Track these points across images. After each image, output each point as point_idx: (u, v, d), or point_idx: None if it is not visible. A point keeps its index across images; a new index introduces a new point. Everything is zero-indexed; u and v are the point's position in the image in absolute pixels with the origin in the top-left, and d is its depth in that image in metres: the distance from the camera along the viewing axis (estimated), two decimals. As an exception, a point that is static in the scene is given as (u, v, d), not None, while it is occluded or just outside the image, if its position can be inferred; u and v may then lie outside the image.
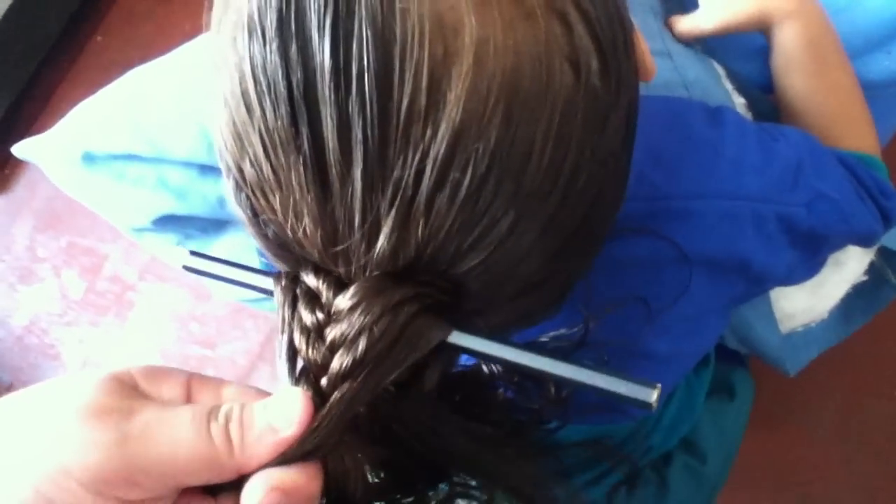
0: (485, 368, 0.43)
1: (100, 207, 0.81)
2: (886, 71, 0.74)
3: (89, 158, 0.75)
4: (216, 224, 0.81)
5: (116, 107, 0.77)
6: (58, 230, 1.57)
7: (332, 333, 0.34)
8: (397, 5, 0.30)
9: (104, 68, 1.61)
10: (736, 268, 0.54)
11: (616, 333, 0.45)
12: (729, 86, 0.72)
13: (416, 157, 0.32)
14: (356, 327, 0.34)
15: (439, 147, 0.31)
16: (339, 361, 0.34)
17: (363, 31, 0.30)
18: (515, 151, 0.33)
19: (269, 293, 0.39)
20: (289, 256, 0.38)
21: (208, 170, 0.75)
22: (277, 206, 0.35)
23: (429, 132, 0.31)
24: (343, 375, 0.34)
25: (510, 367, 0.36)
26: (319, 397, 0.34)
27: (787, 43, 0.69)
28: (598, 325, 0.44)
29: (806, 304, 0.78)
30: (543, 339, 0.44)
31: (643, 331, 0.53)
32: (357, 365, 0.34)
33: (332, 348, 0.34)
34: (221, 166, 0.38)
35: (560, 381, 0.35)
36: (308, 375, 0.35)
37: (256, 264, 0.60)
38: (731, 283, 0.56)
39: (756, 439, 1.17)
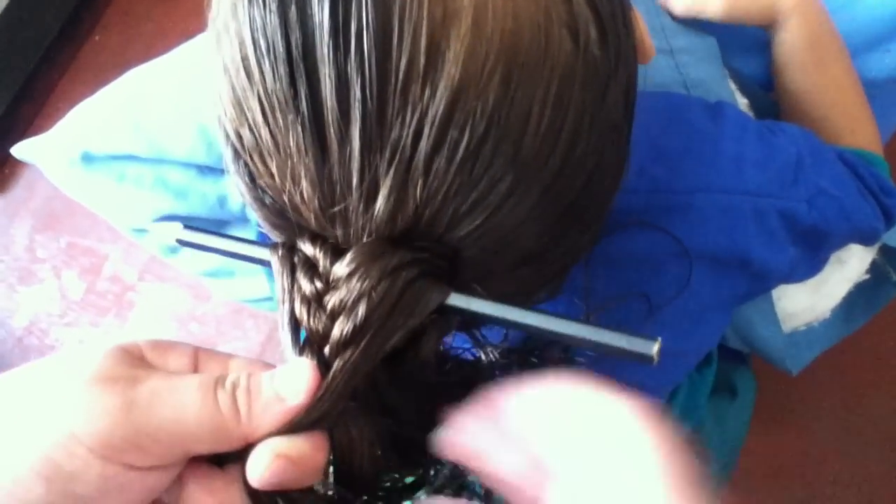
0: (483, 357, 0.42)
1: (99, 208, 0.81)
2: (886, 69, 0.74)
3: (88, 159, 0.75)
4: (216, 224, 0.81)
5: (115, 107, 0.77)
6: (57, 230, 1.57)
7: (331, 301, 0.34)
8: None
9: (102, 68, 1.61)
10: (737, 263, 0.54)
11: (616, 326, 0.45)
12: (732, 85, 0.72)
13: (415, 117, 0.32)
14: (355, 293, 0.34)
15: (438, 107, 0.31)
16: (340, 329, 0.34)
17: None
18: (514, 114, 0.33)
19: (266, 263, 0.39)
20: (286, 224, 0.38)
21: (207, 170, 0.75)
22: (275, 171, 0.35)
23: (427, 92, 0.31)
24: (345, 343, 0.34)
25: (510, 326, 0.36)
26: (323, 366, 0.34)
27: (791, 38, 0.69)
28: (598, 320, 0.44)
29: (808, 302, 0.78)
30: None
31: (644, 327, 0.53)
32: (358, 331, 0.34)
33: (333, 316, 0.34)
34: (220, 136, 0.38)
35: (561, 339, 0.35)
36: (311, 345, 0.35)
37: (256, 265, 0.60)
38: (732, 279, 0.56)
39: (758, 438, 1.17)
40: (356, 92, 0.31)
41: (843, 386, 1.23)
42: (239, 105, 0.35)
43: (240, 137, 0.36)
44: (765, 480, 1.22)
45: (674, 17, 0.73)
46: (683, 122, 0.54)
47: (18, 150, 0.80)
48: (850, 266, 0.78)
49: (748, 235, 0.53)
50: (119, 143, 0.73)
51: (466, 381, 0.40)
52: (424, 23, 0.31)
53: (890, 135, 0.79)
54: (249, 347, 1.42)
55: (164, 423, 0.31)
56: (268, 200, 0.37)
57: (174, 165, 0.74)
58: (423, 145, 0.32)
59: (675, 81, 0.66)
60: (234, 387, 0.33)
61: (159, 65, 0.78)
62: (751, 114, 0.74)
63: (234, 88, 0.35)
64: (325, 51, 0.31)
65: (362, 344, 0.33)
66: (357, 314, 0.33)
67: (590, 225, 0.41)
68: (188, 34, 0.76)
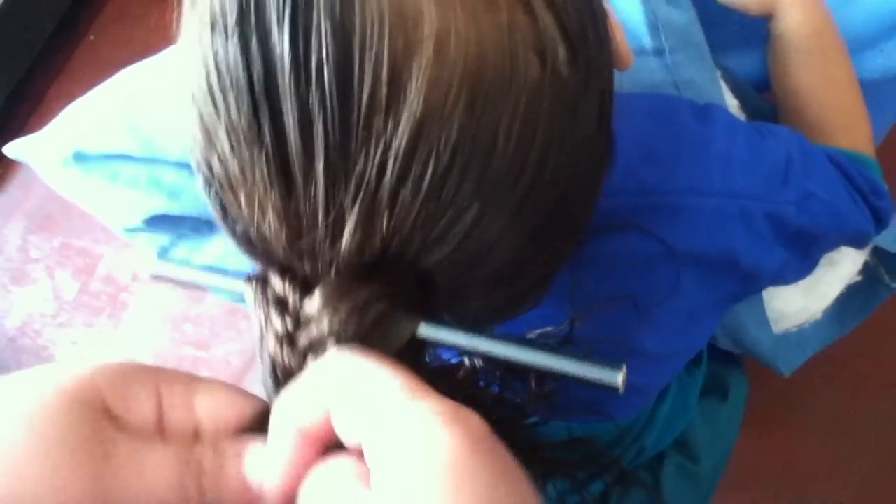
0: (467, 362, 0.42)
1: (92, 207, 0.81)
2: (880, 69, 0.74)
3: (81, 158, 0.75)
4: (209, 224, 0.81)
5: (109, 106, 0.77)
6: (51, 231, 1.57)
7: (301, 339, 0.34)
8: None
9: (97, 68, 1.60)
10: (725, 265, 0.54)
11: (606, 331, 0.45)
12: (723, 86, 0.72)
13: (379, 150, 0.31)
14: (325, 332, 0.34)
15: (401, 139, 0.31)
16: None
17: (322, 23, 0.30)
18: (479, 142, 0.33)
19: (238, 296, 0.38)
20: (257, 254, 0.38)
21: (201, 170, 0.75)
22: (243, 202, 0.35)
23: (390, 124, 0.31)
24: None
25: (478, 355, 0.37)
26: None
27: (791, 33, 0.69)
28: (588, 323, 0.44)
29: (800, 304, 0.78)
30: (530, 335, 0.44)
31: (633, 328, 0.53)
32: None
33: (304, 354, 0.34)
34: (192, 162, 0.38)
35: (525, 368, 0.35)
36: (286, 382, 0.35)
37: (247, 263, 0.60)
38: (721, 280, 0.56)
39: (752, 440, 1.17)
40: (319, 126, 0.31)
41: (836, 387, 1.23)
42: (207, 134, 0.35)
43: (209, 166, 0.36)
44: (758, 480, 1.22)
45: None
46: (673, 123, 0.54)
47: (11, 150, 0.80)
48: (843, 267, 0.78)
49: (736, 237, 0.53)
50: (112, 142, 0.73)
51: (451, 388, 0.40)
52: (385, 54, 0.30)
53: (882, 135, 0.79)
54: (243, 348, 1.42)
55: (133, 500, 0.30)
56: (238, 229, 0.37)
57: (168, 165, 0.74)
58: (388, 178, 0.32)
59: (666, 82, 0.66)
60: (200, 472, 0.32)
61: (153, 64, 0.78)
62: (742, 115, 0.74)
63: (202, 117, 0.35)
64: (287, 84, 0.31)
65: None
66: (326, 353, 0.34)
67: (569, 235, 0.41)
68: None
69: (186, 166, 0.74)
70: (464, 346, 0.36)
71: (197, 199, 0.74)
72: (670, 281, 0.53)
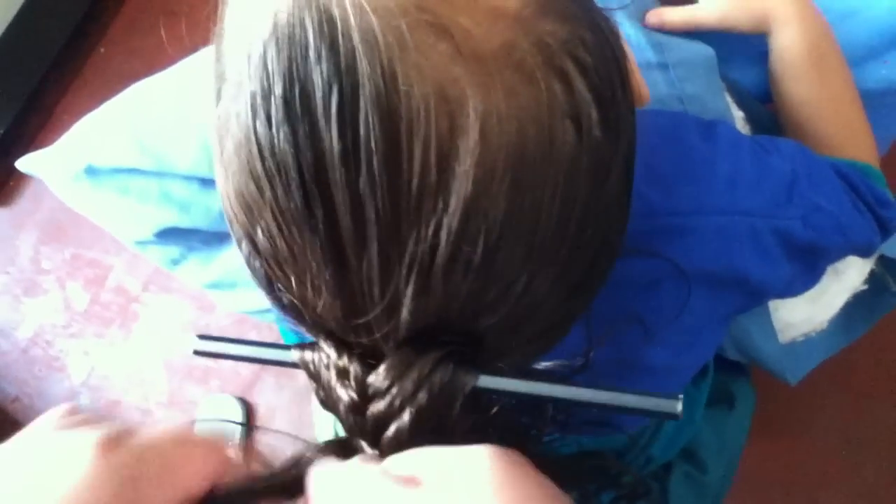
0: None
1: (103, 221, 0.82)
2: (884, 81, 0.74)
3: (92, 172, 0.76)
4: (219, 236, 0.81)
5: (119, 121, 0.77)
6: (62, 242, 1.58)
7: (373, 411, 0.36)
8: (400, 86, 0.30)
9: (107, 80, 1.62)
10: (734, 282, 0.54)
11: (615, 349, 0.45)
12: (728, 98, 0.72)
13: (430, 232, 0.32)
14: (397, 405, 0.35)
15: (451, 220, 0.32)
16: (389, 434, 0.36)
17: (369, 113, 0.30)
18: (524, 216, 0.33)
19: (290, 365, 0.39)
20: (306, 323, 0.38)
21: (211, 183, 0.75)
22: (293, 278, 0.35)
23: (440, 206, 0.31)
24: (398, 444, 0.35)
25: (538, 401, 0.37)
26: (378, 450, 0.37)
27: (788, 48, 0.69)
28: (589, 345, 0.45)
29: (805, 313, 0.78)
30: (546, 363, 0.44)
31: (641, 347, 0.53)
32: (407, 438, 0.35)
33: (377, 423, 0.36)
34: (232, 233, 0.38)
35: (590, 406, 0.36)
36: (357, 442, 0.37)
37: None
38: (729, 297, 0.56)
39: (761, 447, 1.17)
40: (370, 212, 0.31)
41: (844, 394, 1.23)
42: (250, 210, 0.35)
43: (253, 241, 0.36)
44: (767, 488, 1.22)
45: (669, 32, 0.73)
46: (677, 141, 0.54)
47: (23, 164, 0.81)
48: (848, 276, 0.78)
49: (744, 255, 0.53)
50: (123, 156, 0.74)
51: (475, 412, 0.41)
52: (433, 139, 0.31)
53: (886, 146, 0.79)
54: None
55: None
56: (285, 300, 0.38)
57: (177, 179, 0.75)
58: (440, 257, 0.32)
59: (671, 96, 0.66)
60: None
61: (162, 78, 0.78)
62: (747, 127, 0.74)
63: (243, 195, 0.35)
64: (338, 175, 0.31)
65: (414, 443, 0.35)
66: (403, 422, 0.35)
67: (598, 285, 0.41)
68: (191, 47, 0.77)
69: (196, 180, 0.74)
70: (524, 392, 0.37)
71: (207, 212, 0.76)
72: (677, 299, 0.53)
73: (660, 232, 0.51)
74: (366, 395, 0.36)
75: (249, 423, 1.39)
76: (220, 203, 0.76)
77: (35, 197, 1.61)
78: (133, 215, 0.77)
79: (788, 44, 0.69)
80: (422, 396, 0.35)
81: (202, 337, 0.42)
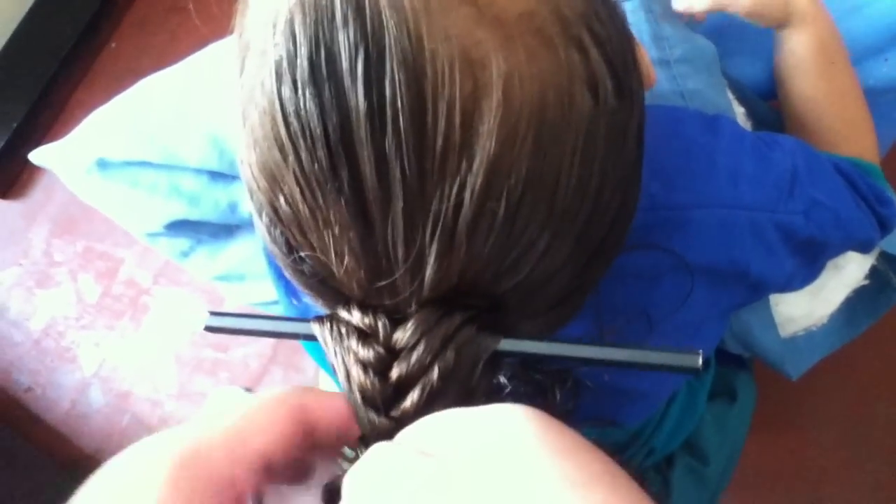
0: (503, 380, 0.44)
1: (114, 213, 0.83)
2: (885, 78, 0.74)
3: (104, 165, 0.77)
4: (227, 229, 0.83)
5: (130, 115, 0.78)
6: (74, 235, 1.59)
7: (397, 370, 0.36)
8: (426, 46, 0.31)
9: (118, 75, 1.63)
10: (735, 275, 0.55)
11: (617, 340, 0.46)
12: (730, 94, 0.72)
13: (454, 190, 0.32)
14: (425, 359, 0.35)
15: (475, 179, 0.32)
16: (413, 397, 0.35)
17: (395, 74, 0.31)
18: (546, 177, 0.34)
19: (307, 337, 0.39)
20: (326, 291, 0.39)
21: (219, 176, 0.76)
22: (315, 243, 0.36)
23: (464, 165, 0.32)
24: (419, 409, 0.35)
25: (561, 361, 0.38)
26: (395, 423, 0.35)
27: (801, 44, 0.69)
28: (599, 334, 0.45)
29: (806, 308, 0.79)
30: None
31: (644, 338, 0.53)
32: (433, 397, 0.35)
33: (400, 384, 0.36)
34: (252, 204, 0.39)
35: (613, 364, 0.36)
36: (377, 409, 0.36)
37: (265, 268, 0.61)
38: (730, 291, 0.57)
39: (764, 441, 1.17)
40: (396, 171, 0.32)
41: (847, 390, 1.23)
42: (272, 178, 0.35)
43: (274, 209, 0.36)
44: (770, 482, 1.22)
45: (683, 19, 0.73)
46: (680, 136, 0.54)
47: (36, 156, 0.82)
48: (848, 272, 0.78)
49: (746, 249, 0.53)
50: (133, 150, 0.75)
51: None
52: (457, 99, 0.31)
53: (887, 143, 0.79)
54: (262, 351, 1.44)
55: None
56: (306, 269, 0.38)
57: (187, 172, 0.76)
58: (464, 216, 0.33)
59: (673, 92, 0.66)
60: None
61: (173, 74, 0.79)
62: (749, 122, 0.74)
63: (265, 163, 0.35)
64: (363, 134, 0.32)
65: (434, 408, 0.35)
66: (430, 381, 0.35)
67: (613, 255, 0.42)
68: (201, 42, 0.78)
69: (205, 173, 0.75)
70: (547, 353, 0.37)
71: (215, 204, 0.77)
72: (678, 292, 0.53)
73: (661, 225, 0.52)
74: (392, 350, 0.36)
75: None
76: (228, 196, 0.77)
77: (47, 190, 1.63)
78: (143, 208, 0.78)
79: (805, 39, 0.69)
80: (449, 354, 0.35)
81: (214, 313, 0.41)
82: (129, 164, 0.77)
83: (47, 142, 0.82)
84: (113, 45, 1.69)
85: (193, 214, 0.78)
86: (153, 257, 1.52)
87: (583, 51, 0.34)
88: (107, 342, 1.52)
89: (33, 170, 1.64)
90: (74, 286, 1.56)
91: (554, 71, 0.33)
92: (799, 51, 0.70)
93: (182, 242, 0.85)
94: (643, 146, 0.40)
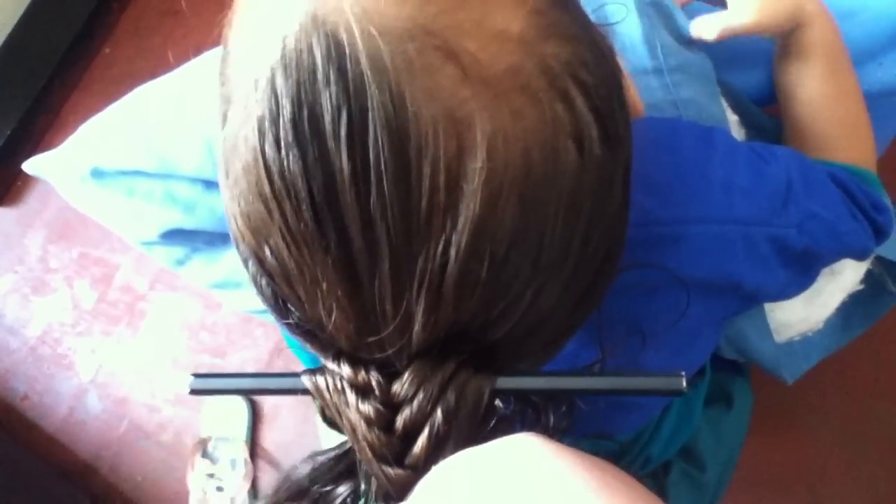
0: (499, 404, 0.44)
1: (109, 221, 0.83)
2: (878, 82, 0.74)
3: (98, 174, 0.76)
4: (223, 237, 0.82)
5: (124, 123, 0.78)
6: (70, 241, 1.59)
7: (402, 419, 0.36)
8: (409, 108, 0.31)
9: (113, 81, 1.63)
10: (729, 288, 0.55)
11: (611, 353, 0.46)
12: (724, 102, 0.72)
13: (440, 249, 0.32)
14: (426, 408, 0.35)
15: (460, 238, 0.32)
16: (422, 444, 0.36)
17: (378, 134, 0.31)
18: (530, 233, 0.34)
19: (297, 392, 0.39)
20: (314, 340, 0.39)
21: (215, 185, 0.76)
22: (304, 297, 0.36)
23: (449, 224, 0.32)
24: (429, 457, 0.35)
25: (550, 394, 0.38)
26: (411, 472, 0.36)
27: (811, 47, 0.69)
28: (596, 348, 0.46)
29: (801, 313, 0.79)
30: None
31: (639, 353, 0.53)
32: (441, 442, 0.35)
33: (406, 434, 0.36)
34: (238, 252, 0.39)
35: (604, 393, 0.38)
36: (387, 461, 0.37)
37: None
38: (724, 302, 0.57)
39: (762, 444, 1.18)
40: (381, 232, 0.32)
41: (846, 392, 1.23)
42: (258, 231, 0.35)
43: (260, 260, 0.36)
44: (768, 484, 1.22)
45: (692, 41, 0.72)
46: (673, 150, 0.54)
47: (29, 166, 0.82)
48: (844, 277, 0.78)
49: (739, 263, 0.53)
50: (128, 158, 0.75)
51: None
52: (441, 159, 0.31)
53: (882, 148, 0.79)
54: (259, 356, 1.44)
55: None
56: (293, 319, 0.38)
57: (182, 180, 0.76)
58: (450, 273, 0.33)
59: (666, 101, 0.66)
60: None
61: (168, 81, 0.79)
62: (742, 130, 0.74)
63: (249, 216, 0.35)
64: (348, 195, 0.32)
65: (445, 451, 0.35)
66: (436, 425, 0.35)
67: (604, 290, 0.42)
68: (196, 48, 0.78)
69: (200, 181, 0.75)
70: (544, 387, 0.38)
71: (211, 213, 0.77)
72: (673, 305, 0.53)
73: (655, 241, 0.52)
74: (391, 404, 0.36)
75: (255, 422, 1.40)
76: (223, 204, 0.77)
77: (42, 196, 1.62)
78: (138, 216, 0.78)
79: (814, 40, 0.68)
80: (450, 396, 0.35)
81: (198, 376, 0.41)
82: (124, 172, 0.76)
83: (41, 148, 0.82)
84: (107, 50, 1.68)
85: (189, 223, 0.77)
86: (149, 263, 1.52)
87: (568, 101, 0.34)
88: (103, 348, 1.52)
89: (28, 177, 1.62)
90: (70, 292, 1.56)
91: (539, 127, 0.33)
92: (807, 51, 0.69)
93: (178, 250, 0.85)
94: (629, 188, 0.40)
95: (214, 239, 0.83)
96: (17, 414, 1.51)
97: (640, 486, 0.29)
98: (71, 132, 0.81)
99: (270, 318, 0.96)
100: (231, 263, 0.84)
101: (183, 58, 0.79)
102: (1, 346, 1.56)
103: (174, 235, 0.80)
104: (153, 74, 0.80)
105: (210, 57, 0.78)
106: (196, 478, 1.33)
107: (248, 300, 0.88)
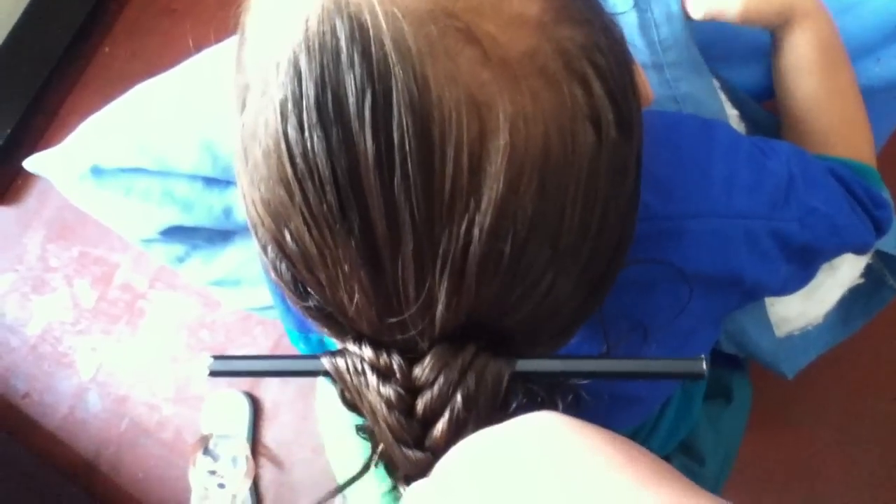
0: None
1: (109, 219, 0.83)
2: (875, 78, 0.74)
3: (98, 172, 0.77)
4: (222, 234, 0.83)
5: (123, 121, 0.78)
6: (69, 240, 1.59)
7: (422, 403, 0.36)
8: (433, 89, 0.31)
9: (112, 80, 1.63)
10: (730, 283, 0.55)
11: (613, 348, 0.46)
12: (723, 97, 0.72)
13: (462, 230, 0.33)
14: (449, 391, 0.36)
15: (483, 220, 0.32)
16: (441, 428, 0.36)
17: (402, 117, 0.31)
18: (550, 215, 0.34)
19: (317, 374, 0.39)
20: (333, 325, 0.39)
21: (213, 182, 0.76)
22: (324, 281, 0.36)
23: (472, 206, 0.32)
24: (448, 440, 0.35)
25: (574, 376, 0.38)
26: (431, 455, 0.36)
27: (805, 42, 0.68)
28: (599, 343, 0.46)
29: (800, 308, 0.79)
30: None
31: (639, 346, 0.54)
32: (461, 426, 0.36)
33: (426, 417, 0.36)
34: (256, 238, 0.39)
35: (622, 377, 0.38)
36: (407, 445, 0.37)
37: (260, 273, 0.61)
38: (725, 297, 0.57)
39: (760, 440, 1.18)
40: (405, 214, 0.32)
41: (844, 388, 1.23)
42: (278, 216, 0.35)
43: (280, 246, 0.36)
44: (765, 481, 1.22)
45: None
46: (674, 145, 0.54)
47: (30, 164, 0.82)
48: (843, 272, 0.78)
49: (740, 257, 0.54)
50: (127, 156, 0.75)
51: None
52: (465, 142, 0.31)
53: (879, 143, 0.79)
54: (258, 353, 1.43)
55: None
56: (312, 303, 0.38)
57: (181, 178, 0.76)
58: (472, 255, 0.33)
59: (666, 96, 0.66)
60: None
61: (166, 80, 0.79)
62: (742, 125, 0.74)
63: (269, 201, 0.35)
64: (372, 177, 0.32)
65: (464, 436, 0.35)
66: (456, 409, 0.36)
67: (614, 280, 0.42)
68: (194, 46, 0.78)
69: (199, 179, 0.75)
70: (563, 370, 0.38)
71: (210, 210, 0.77)
72: (674, 300, 0.53)
73: (657, 235, 0.52)
74: (412, 387, 0.37)
75: (256, 418, 1.40)
76: (223, 202, 0.77)
77: (42, 195, 1.62)
78: (137, 214, 0.78)
79: (808, 35, 0.68)
80: (470, 381, 0.36)
81: (217, 357, 0.41)
82: (123, 170, 0.76)
83: (41, 147, 0.82)
84: (106, 49, 1.68)
85: (187, 220, 0.78)
86: (148, 261, 1.52)
87: (585, 85, 0.34)
88: (103, 347, 1.52)
89: (27, 176, 1.63)
90: (70, 291, 1.56)
91: (558, 109, 0.33)
92: (800, 48, 0.69)
93: (177, 248, 0.85)
94: (640, 174, 0.40)
95: (213, 236, 0.83)
96: (18, 412, 1.51)
97: (665, 463, 0.28)
98: (70, 131, 0.81)
99: (269, 316, 0.97)
100: (230, 261, 0.85)
101: (181, 57, 0.79)
102: (1, 346, 1.56)
103: (173, 233, 0.80)
104: (151, 74, 0.80)
105: (209, 55, 0.78)
106: (197, 475, 1.33)
107: (247, 298, 0.88)
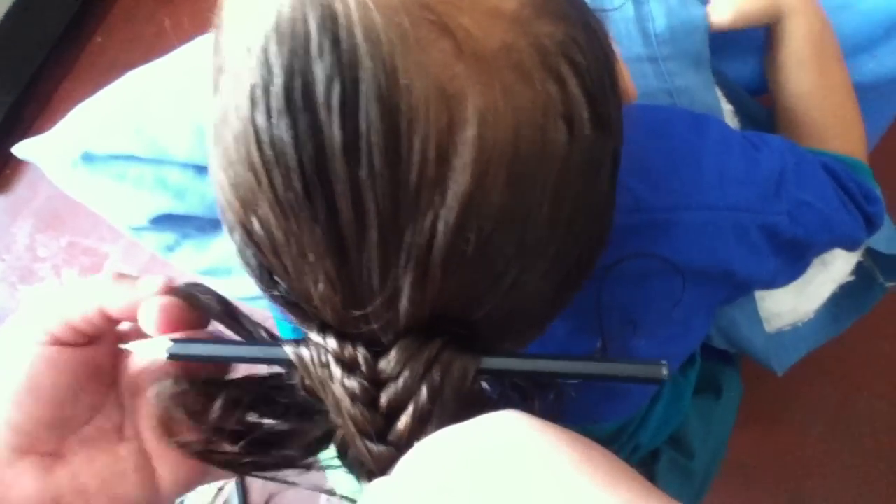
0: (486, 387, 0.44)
1: (99, 207, 0.82)
2: (871, 74, 0.74)
3: (89, 158, 0.76)
4: (213, 223, 0.82)
5: (116, 108, 0.78)
6: (58, 230, 1.58)
7: (386, 397, 0.36)
8: (401, 81, 0.31)
9: (104, 69, 1.62)
10: (719, 275, 0.55)
11: (607, 341, 0.46)
12: (718, 91, 0.72)
13: (428, 223, 0.32)
14: (411, 385, 0.36)
15: (448, 213, 0.32)
16: (405, 423, 0.36)
17: (369, 106, 0.31)
18: (518, 211, 0.34)
19: (280, 363, 0.39)
20: (299, 313, 0.38)
21: (206, 170, 0.76)
22: (290, 268, 0.36)
23: (437, 199, 0.32)
24: (411, 435, 0.36)
25: (537, 376, 0.38)
26: (395, 450, 0.36)
27: (795, 38, 0.69)
28: (588, 334, 0.46)
29: (791, 304, 0.79)
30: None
31: (630, 338, 0.54)
32: (423, 421, 0.36)
33: (390, 411, 0.36)
34: (224, 222, 0.38)
35: (582, 378, 0.37)
36: (370, 437, 0.37)
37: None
38: (715, 290, 0.57)
39: (750, 437, 1.18)
40: (370, 203, 0.32)
41: (834, 384, 1.24)
42: (246, 200, 0.35)
43: (247, 231, 0.36)
44: (754, 477, 1.23)
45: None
46: (666, 136, 0.54)
47: (20, 150, 0.81)
48: (834, 268, 0.78)
49: (729, 250, 0.54)
50: (119, 143, 0.74)
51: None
52: (432, 133, 0.31)
53: (874, 140, 0.79)
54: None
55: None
56: (280, 291, 0.38)
57: (173, 165, 0.75)
58: (437, 247, 0.33)
59: (661, 90, 0.66)
60: None
61: (159, 66, 0.79)
62: (736, 119, 0.74)
63: (238, 185, 0.35)
64: (338, 166, 0.31)
65: (427, 429, 0.35)
66: (420, 402, 0.36)
67: (586, 277, 0.42)
68: (188, 36, 0.77)
69: (191, 167, 0.75)
70: (527, 369, 0.38)
71: (202, 199, 0.76)
72: (665, 293, 0.53)
73: (647, 227, 0.52)
74: (377, 380, 0.36)
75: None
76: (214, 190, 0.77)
77: (31, 185, 1.61)
78: (129, 201, 0.78)
79: (798, 31, 0.69)
80: (435, 375, 0.35)
81: (177, 341, 0.39)
82: (114, 157, 0.76)
83: (32, 136, 0.81)
84: (98, 38, 1.68)
85: (179, 208, 0.77)
86: (139, 252, 1.51)
87: (561, 82, 0.34)
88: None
89: (17, 164, 1.63)
90: (59, 282, 1.55)
91: (530, 106, 0.33)
92: (794, 42, 0.69)
93: (168, 236, 0.85)
94: (617, 174, 0.40)
95: (205, 225, 0.82)
96: (4, 403, 1.50)
97: (623, 464, 0.29)
98: (62, 120, 0.80)
99: (260, 305, 0.97)
100: (221, 250, 0.84)
101: (174, 46, 0.79)
102: (-12, 335, 1.55)
103: (164, 221, 0.79)
104: (145, 62, 0.80)
105: (201, 42, 0.77)
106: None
107: (238, 287, 0.88)
